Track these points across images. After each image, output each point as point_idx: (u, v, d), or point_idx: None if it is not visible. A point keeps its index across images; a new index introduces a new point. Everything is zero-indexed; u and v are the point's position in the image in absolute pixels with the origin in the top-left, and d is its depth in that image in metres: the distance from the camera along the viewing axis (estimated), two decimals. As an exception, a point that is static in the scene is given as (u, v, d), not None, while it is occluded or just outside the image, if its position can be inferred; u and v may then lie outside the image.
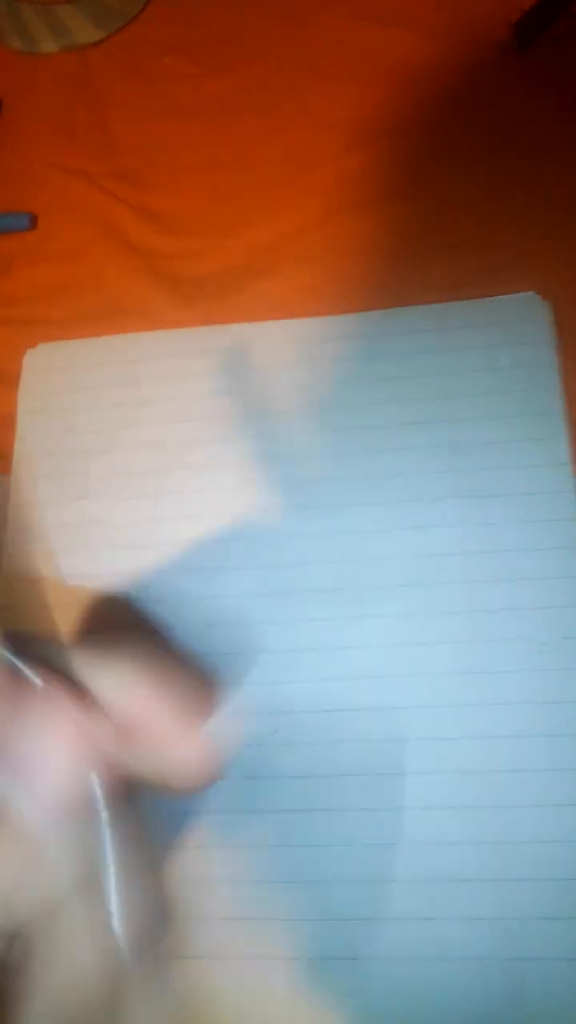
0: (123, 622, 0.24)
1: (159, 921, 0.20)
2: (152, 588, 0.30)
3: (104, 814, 0.19)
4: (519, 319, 0.32)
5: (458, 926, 0.25)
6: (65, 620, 0.30)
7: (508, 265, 0.34)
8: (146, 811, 0.21)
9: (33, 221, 0.40)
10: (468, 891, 0.25)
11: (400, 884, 0.25)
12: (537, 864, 0.25)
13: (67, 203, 0.40)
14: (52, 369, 0.35)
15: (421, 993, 0.24)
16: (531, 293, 0.32)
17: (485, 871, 0.25)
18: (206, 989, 0.25)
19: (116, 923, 0.19)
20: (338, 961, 0.25)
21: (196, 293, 0.37)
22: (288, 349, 0.33)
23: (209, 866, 0.26)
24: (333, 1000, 0.24)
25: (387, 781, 0.27)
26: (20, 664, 0.20)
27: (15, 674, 0.20)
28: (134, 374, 0.34)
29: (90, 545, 0.31)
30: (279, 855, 0.26)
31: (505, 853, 0.25)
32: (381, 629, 0.28)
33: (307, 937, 0.25)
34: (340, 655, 0.28)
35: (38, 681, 0.20)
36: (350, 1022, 0.24)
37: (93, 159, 0.42)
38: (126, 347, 0.35)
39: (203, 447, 0.32)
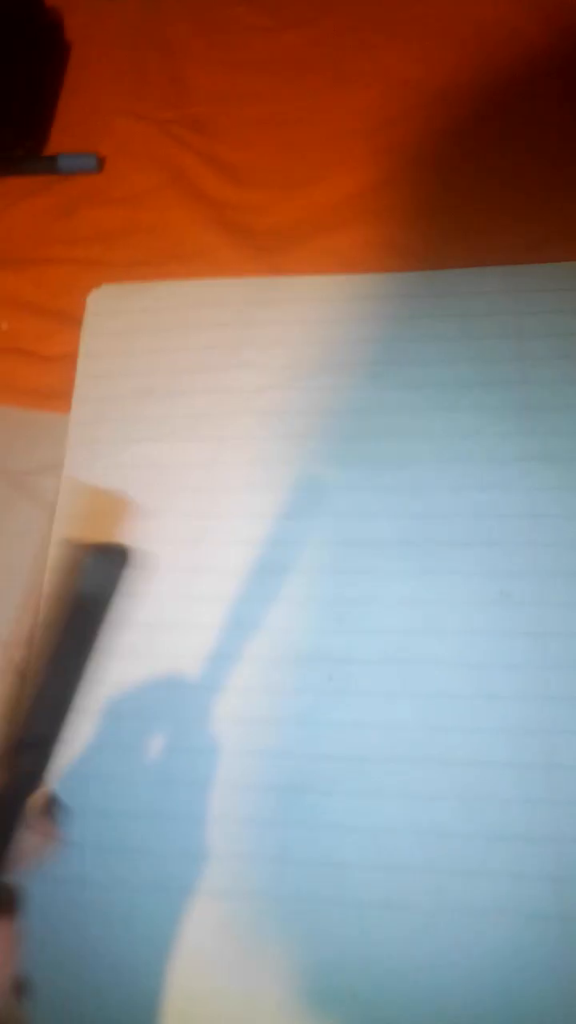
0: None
1: None
2: (211, 533, 0.30)
3: None
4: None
5: (510, 882, 0.24)
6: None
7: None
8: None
9: (100, 163, 0.40)
10: (521, 848, 0.25)
11: (453, 838, 0.25)
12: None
13: (135, 148, 0.40)
14: (115, 311, 0.35)
15: (470, 947, 0.24)
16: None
17: (537, 829, 0.25)
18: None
19: None
20: (385, 908, 0.25)
21: (261, 244, 0.36)
22: (356, 303, 0.33)
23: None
24: (380, 947, 0.24)
25: (440, 735, 0.26)
26: None
27: None
28: (198, 319, 0.34)
29: (151, 487, 0.31)
30: (326, 802, 0.26)
31: (559, 811, 0.25)
32: (442, 585, 0.28)
33: (358, 884, 0.25)
34: (398, 609, 0.28)
35: None
36: (399, 972, 0.24)
37: (163, 106, 0.41)
38: (190, 292, 0.35)
39: (267, 394, 0.32)
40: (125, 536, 0.24)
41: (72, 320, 0.36)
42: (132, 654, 0.28)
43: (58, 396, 0.34)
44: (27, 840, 0.19)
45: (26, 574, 0.31)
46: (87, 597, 0.16)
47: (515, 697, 0.26)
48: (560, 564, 0.28)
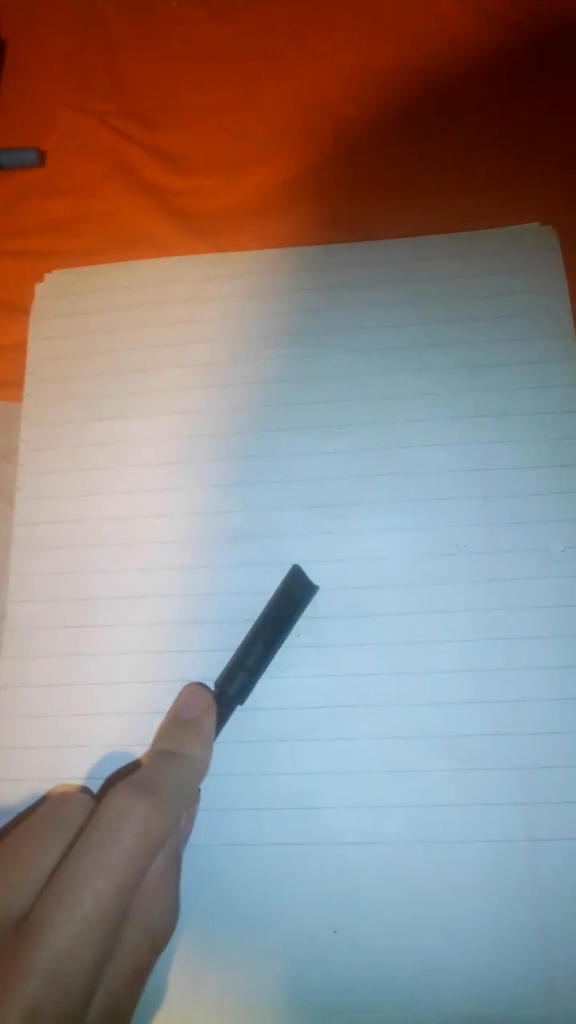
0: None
1: None
2: (180, 504, 0.30)
3: None
4: (529, 247, 0.33)
5: (480, 811, 0.25)
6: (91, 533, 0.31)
7: (518, 201, 0.35)
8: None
9: (41, 157, 0.40)
10: (489, 778, 0.26)
11: (423, 775, 0.26)
12: (557, 752, 0.26)
13: (76, 141, 0.40)
14: (64, 295, 0.35)
15: (445, 876, 0.25)
16: (537, 224, 0.34)
17: (505, 760, 0.26)
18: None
19: None
20: (353, 846, 0.25)
21: (206, 228, 0.37)
22: (304, 274, 0.34)
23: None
24: (358, 883, 0.25)
25: (407, 679, 0.27)
26: None
27: None
28: (149, 297, 0.34)
29: (113, 465, 0.31)
30: (300, 750, 0.27)
31: (525, 743, 0.26)
32: (399, 541, 0.29)
33: (335, 825, 0.26)
34: (358, 565, 0.29)
35: None
36: (378, 905, 0.25)
37: (102, 99, 0.42)
38: (139, 272, 0.35)
39: (221, 368, 0.32)
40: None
41: (20, 311, 0.36)
42: (109, 624, 0.29)
43: (8, 386, 0.34)
44: None
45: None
46: (291, 591, 0.28)
47: (478, 639, 0.27)
48: (512, 514, 0.29)
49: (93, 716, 0.28)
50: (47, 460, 0.32)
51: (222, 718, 0.25)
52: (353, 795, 0.26)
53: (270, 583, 0.29)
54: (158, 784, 0.21)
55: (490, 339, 0.32)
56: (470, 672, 0.27)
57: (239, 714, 0.27)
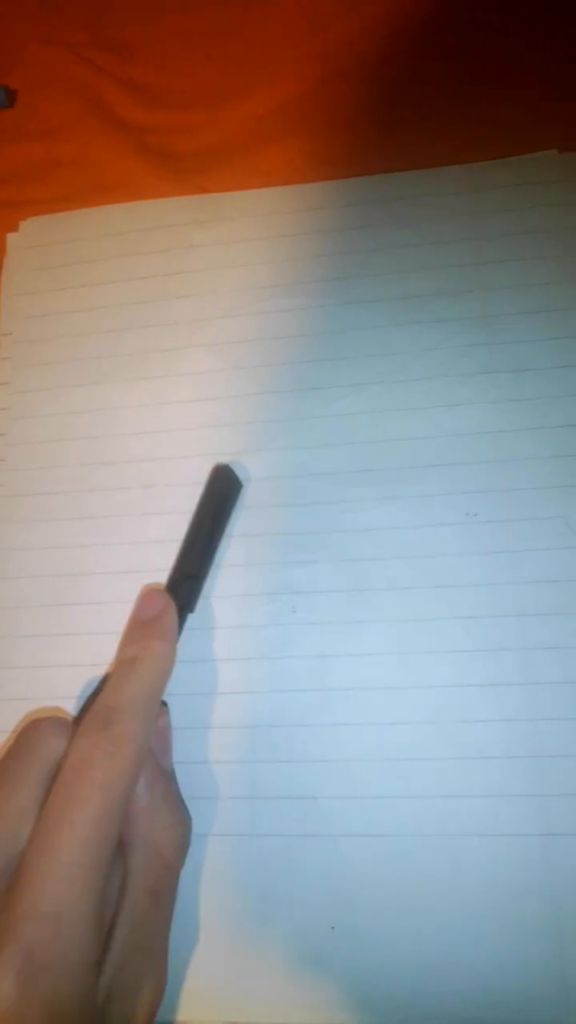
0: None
1: None
2: (168, 475, 0.28)
3: None
4: (549, 178, 0.29)
5: (489, 803, 0.23)
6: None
7: (527, 124, 0.31)
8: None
9: (11, 97, 0.36)
10: (500, 768, 0.24)
11: (429, 763, 0.24)
12: (572, 741, 0.24)
13: (48, 77, 0.37)
14: (40, 245, 0.32)
15: (451, 870, 0.23)
16: (555, 152, 0.30)
17: (516, 747, 0.24)
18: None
19: None
20: (353, 839, 0.24)
21: (188, 168, 0.34)
22: (299, 215, 0.30)
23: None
24: (357, 878, 0.23)
25: (412, 660, 0.25)
26: None
27: None
28: (132, 246, 0.31)
29: (98, 432, 0.29)
30: (296, 736, 0.25)
31: (538, 730, 0.24)
32: (406, 510, 0.27)
33: (333, 816, 0.24)
34: (363, 536, 0.27)
35: None
36: (379, 901, 0.23)
37: (75, 28, 0.38)
38: (117, 218, 0.32)
39: (213, 324, 0.30)
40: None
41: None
42: (95, 602, 0.27)
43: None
44: None
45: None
46: (216, 490, 0.27)
47: (489, 616, 0.25)
48: (527, 480, 0.27)
49: (79, 700, 0.26)
50: (27, 427, 0.30)
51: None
52: (353, 784, 0.24)
53: (267, 553, 0.27)
54: (119, 706, 0.21)
55: (505, 285, 0.28)
56: (479, 652, 0.25)
57: (233, 697, 0.25)
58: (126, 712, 0.20)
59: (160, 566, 0.27)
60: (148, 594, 0.25)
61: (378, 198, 0.30)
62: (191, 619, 0.26)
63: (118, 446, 0.29)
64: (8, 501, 0.29)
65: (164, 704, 0.25)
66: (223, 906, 0.24)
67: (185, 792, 0.24)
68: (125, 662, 0.22)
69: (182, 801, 0.23)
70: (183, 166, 0.34)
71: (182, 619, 0.25)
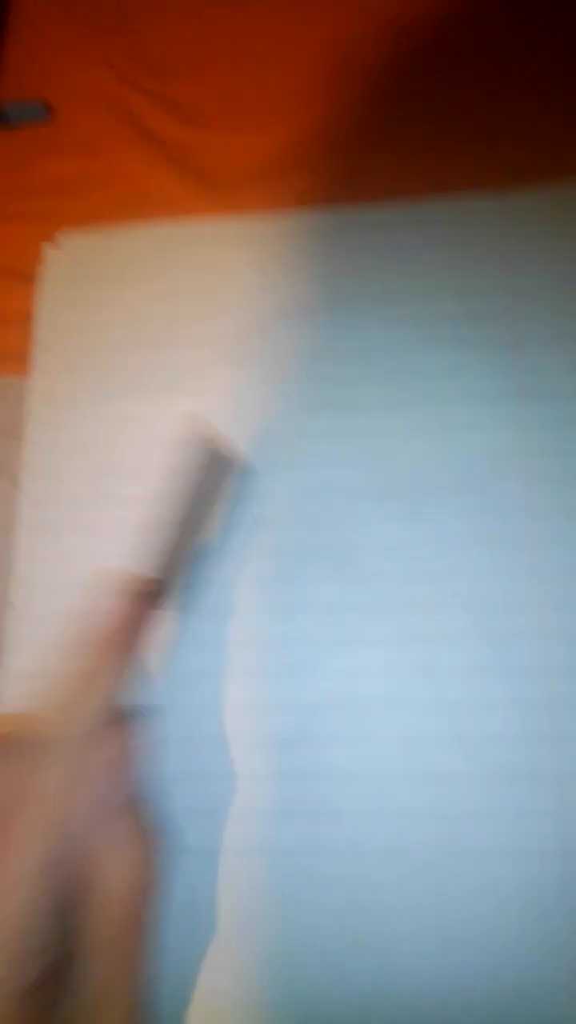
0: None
1: None
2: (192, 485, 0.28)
3: None
4: (578, 206, 0.30)
5: (512, 822, 0.24)
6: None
7: (560, 149, 0.32)
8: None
9: (49, 112, 0.37)
10: (523, 787, 0.24)
11: (453, 781, 0.24)
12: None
13: (85, 94, 0.38)
14: (76, 259, 0.33)
15: (473, 889, 0.23)
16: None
17: (540, 767, 0.24)
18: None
19: None
20: (376, 855, 0.24)
21: (222, 186, 0.34)
22: (331, 238, 0.31)
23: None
24: (382, 894, 0.23)
25: (439, 678, 0.25)
26: None
27: None
28: (162, 264, 0.32)
29: (130, 444, 0.29)
30: (323, 752, 0.25)
31: (562, 750, 0.24)
32: (432, 529, 0.27)
33: (359, 833, 0.24)
34: (390, 554, 0.27)
35: None
36: (402, 918, 0.23)
37: (113, 48, 0.38)
38: (151, 236, 0.33)
39: (245, 341, 0.30)
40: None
41: (26, 278, 0.33)
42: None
43: (12, 358, 0.32)
44: None
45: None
46: (199, 478, 0.25)
47: (514, 636, 0.25)
48: (555, 501, 0.27)
49: None
50: (57, 437, 0.30)
51: (158, 607, 0.23)
52: (378, 800, 0.24)
53: (294, 569, 0.27)
54: (42, 740, 0.19)
55: (535, 311, 0.29)
56: (504, 671, 0.25)
57: (254, 713, 0.26)
58: (57, 739, 0.19)
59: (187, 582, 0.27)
60: (109, 595, 0.23)
61: (411, 221, 0.31)
62: (219, 630, 0.26)
63: (146, 457, 0.29)
64: (33, 509, 0.29)
65: (144, 720, 0.22)
66: (241, 922, 0.24)
67: (207, 806, 0.24)
68: (79, 677, 0.20)
69: (153, 831, 0.20)
70: (219, 185, 0.34)
71: (157, 616, 0.23)
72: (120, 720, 0.21)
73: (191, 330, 0.31)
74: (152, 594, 0.23)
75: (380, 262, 0.30)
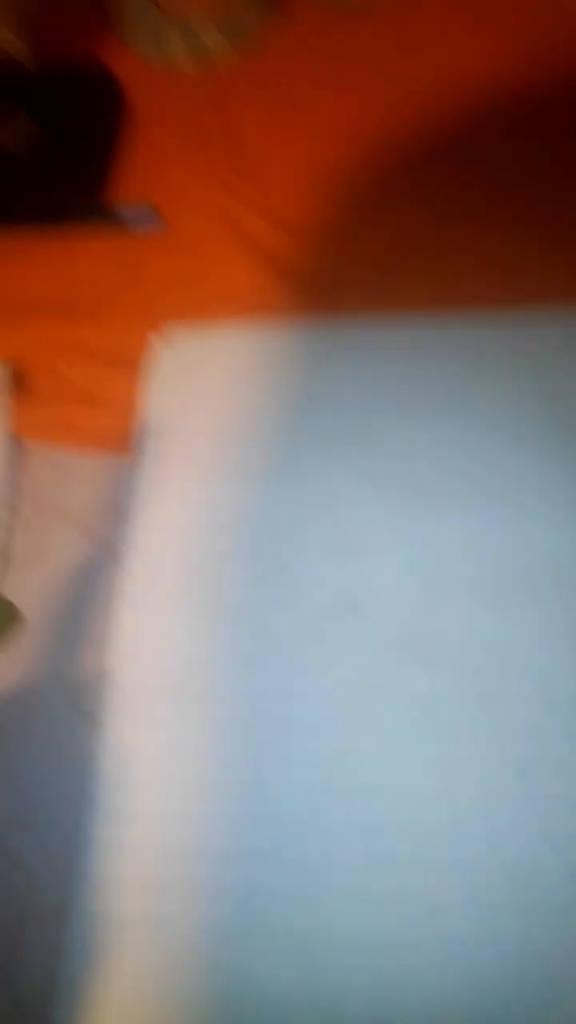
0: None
1: None
2: (284, 575, 0.30)
3: None
4: None
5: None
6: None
7: None
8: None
9: (159, 216, 0.41)
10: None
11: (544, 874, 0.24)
12: None
13: (195, 201, 0.41)
14: (180, 354, 0.36)
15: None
16: None
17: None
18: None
19: None
20: (476, 946, 0.24)
21: (318, 291, 0.37)
22: (432, 346, 0.34)
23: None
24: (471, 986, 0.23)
25: (530, 773, 0.26)
26: None
27: None
28: (262, 361, 0.35)
29: (222, 529, 0.31)
30: (414, 839, 0.25)
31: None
32: (517, 621, 0.28)
33: (445, 923, 0.24)
34: (478, 647, 0.28)
35: None
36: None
37: (221, 162, 0.42)
38: (253, 335, 0.36)
39: (343, 439, 0.32)
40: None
41: (130, 365, 0.36)
42: (219, 694, 0.28)
43: (117, 439, 0.35)
44: None
45: (87, 606, 0.31)
46: None
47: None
48: None
49: (199, 786, 0.27)
50: (164, 518, 0.32)
51: None
52: (465, 894, 0.24)
53: (389, 663, 0.28)
54: None
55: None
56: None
57: (339, 796, 0.26)
58: None
59: (291, 663, 0.28)
60: None
61: (498, 332, 0.33)
62: (318, 714, 0.27)
63: (242, 541, 0.31)
64: (138, 586, 0.31)
65: None
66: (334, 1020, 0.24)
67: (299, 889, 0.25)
68: None
69: None
70: (315, 290, 0.37)
71: None
72: None
73: (288, 422, 0.33)
74: None
75: (476, 368, 0.33)
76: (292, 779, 0.26)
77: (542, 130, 0.40)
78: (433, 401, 0.32)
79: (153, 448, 0.34)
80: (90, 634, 0.30)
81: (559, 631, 0.28)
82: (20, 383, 0.37)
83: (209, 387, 0.34)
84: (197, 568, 0.31)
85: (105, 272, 0.40)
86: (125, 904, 0.25)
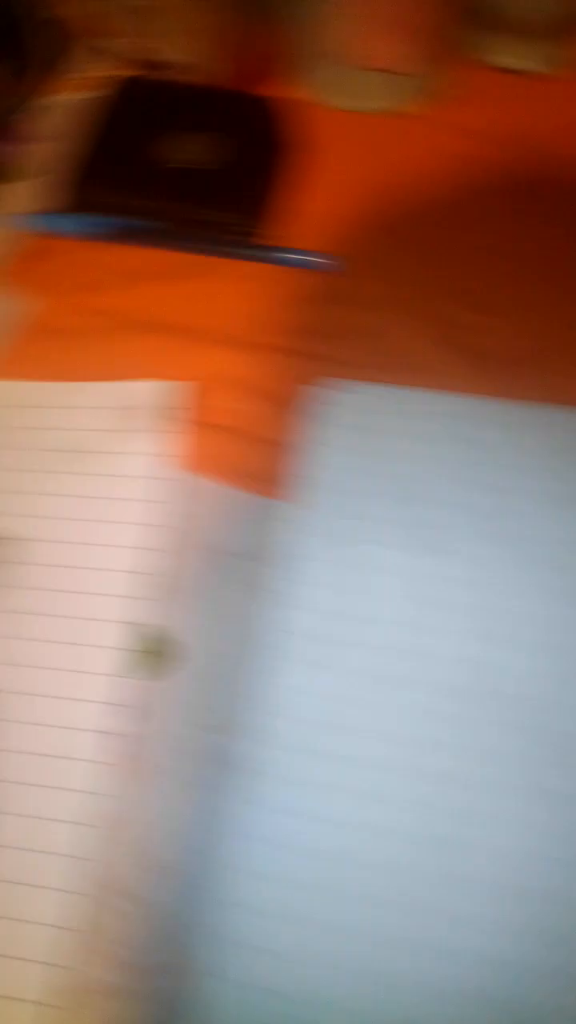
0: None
1: None
2: (415, 646, 0.30)
3: None
4: None
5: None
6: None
7: None
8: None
9: (341, 265, 0.41)
10: None
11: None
12: None
13: (374, 257, 0.42)
14: (340, 406, 0.35)
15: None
16: None
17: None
18: None
19: None
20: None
21: (490, 368, 0.37)
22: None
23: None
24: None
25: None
26: None
27: None
28: (427, 430, 0.34)
29: (366, 590, 0.31)
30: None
31: None
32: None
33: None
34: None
35: None
36: None
37: (401, 221, 0.43)
38: (426, 401, 0.35)
39: (502, 518, 0.32)
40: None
41: (287, 407, 0.36)
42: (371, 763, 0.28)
43: (272, 481, 0.35)
44: None
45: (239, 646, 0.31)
46: None
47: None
48: None
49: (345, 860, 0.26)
50: (309, 568, 0.32)
51: None
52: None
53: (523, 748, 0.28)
54: None
55: None
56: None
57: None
58: None
59: (440, 739, 0.28)
60: None
61: None
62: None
63: (382, 607, 0.30)
64: (301, 641, 0.30)
65: None
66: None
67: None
68: None
69: None
70: (487, 366, 0.37)
71: None
72: None
73: (450, 497, 0.32)
74: None
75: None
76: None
77: None
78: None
79: (320, 497, 0.33)
80: (246, 682, 0.30)
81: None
82: (189, 410, 0.37)
83: (374, 446, 0.34)
84: (360, 632, 0.30)
85: (268, 310, 0.40)
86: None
